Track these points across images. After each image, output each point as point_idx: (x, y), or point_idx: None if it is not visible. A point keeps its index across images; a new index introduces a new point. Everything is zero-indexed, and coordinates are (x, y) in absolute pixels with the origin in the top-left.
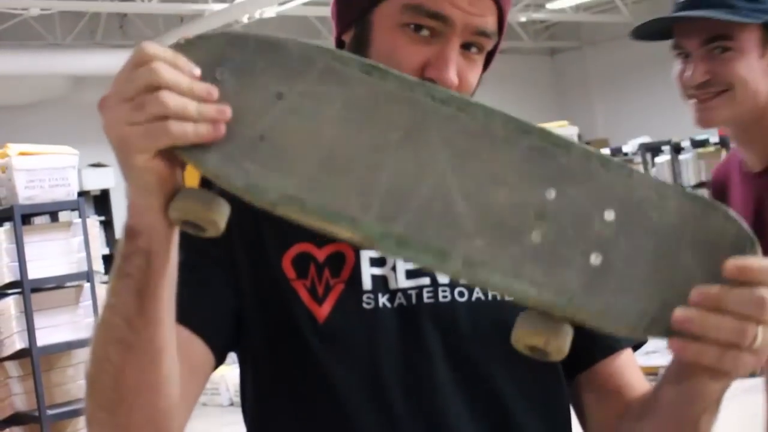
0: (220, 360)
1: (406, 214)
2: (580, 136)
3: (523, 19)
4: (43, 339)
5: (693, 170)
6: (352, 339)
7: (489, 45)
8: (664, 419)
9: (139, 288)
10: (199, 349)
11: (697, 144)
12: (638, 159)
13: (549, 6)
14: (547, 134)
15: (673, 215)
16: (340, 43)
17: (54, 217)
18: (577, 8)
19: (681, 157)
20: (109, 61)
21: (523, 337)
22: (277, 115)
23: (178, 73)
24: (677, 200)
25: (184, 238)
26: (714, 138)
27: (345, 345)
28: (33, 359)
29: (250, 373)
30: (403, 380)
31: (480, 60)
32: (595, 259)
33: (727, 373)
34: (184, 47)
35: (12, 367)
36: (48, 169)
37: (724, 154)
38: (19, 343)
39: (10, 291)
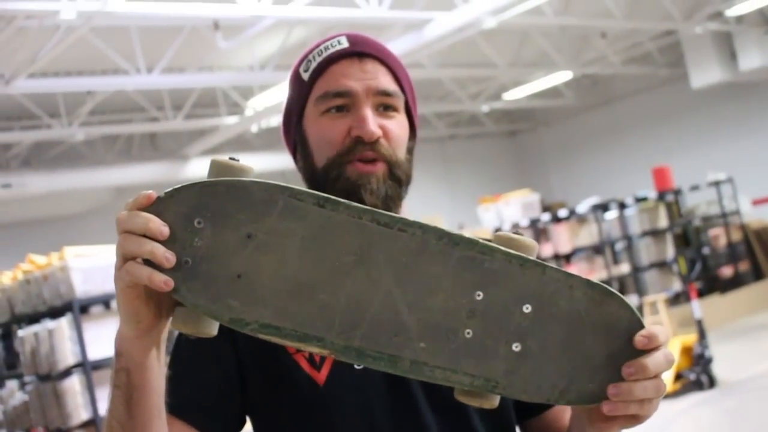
0: None
1: (362, 328)
2: (542, 201)
3: (485, 108)
4: (105, 409)
5: (637, 222)
6: (349, 395)
7: (398, 102)
8: None
9: (126, 398)
10: None
11: (638, 200)
12: (591, 216)
13: (506, 97)
14: (474, 244)
15: (579, 303)
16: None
17: (107, 305)
18: (530, 96)
19: (626, 212)
20: (144, 173)
21: (462, 397)
22: (250, 254)
23: (141, 226)
24: (582, 289)
25: (189, 340)
26: (652, 194)
27: (343, 400)
28: (98, 427)
29: None
30: (394, 424)
31: (399, 117)
32: (516, 347)
33: (644, 417)
34: (165, 200)
35: None
36: (99, 267)
37: (662, 208)
38: (84, 414)
39: (74, 371)
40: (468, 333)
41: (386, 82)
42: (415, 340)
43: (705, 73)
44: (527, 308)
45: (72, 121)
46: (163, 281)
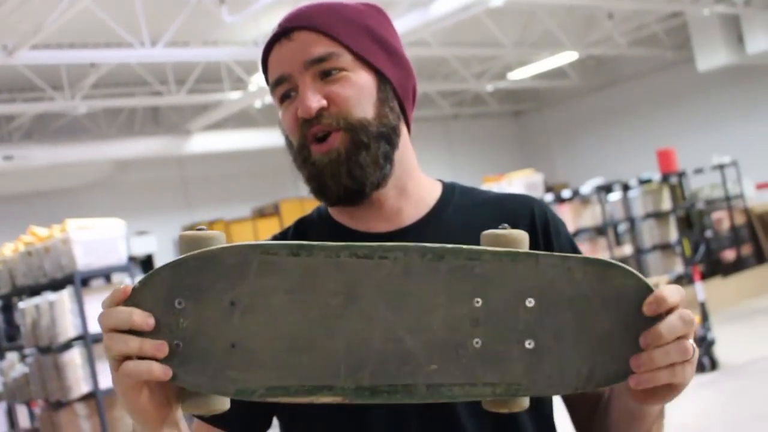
0: None
1: (368, 366)
2: (545, 181)
3: (490, 88)
4: (106, 382)
5: (641, 204)
6: None
7: (339, 61)
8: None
9: None
10: None
11: (642, 182)
12: (594, 198)
13: (510, 76)
14: (459, 252)
15: (581, 284)
16: None
17: (108, 279)
18: (535, 77)
19: (629, 194)
20: (146, 147)
21: (490, 406)
22: (237, 321)
23: (123, 321)
24: (581, 269)
25: None
26: (656, 176)
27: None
28: (98, 400)
29: None
30: (425, 423)
31: (349, 75)
32: (529, 344)
33: (680, 385)
34: (140, 290)
35: (80, 407)
36: (101, 240)
37: (666, 190)
38: (85, 387)
39: (75, 343)
40: (477, 343)
41: (316, 48)
42: (425, 364)
43: (711, 56)
44: (530, 302)
45: (75, 93)
46: (163, 372)
